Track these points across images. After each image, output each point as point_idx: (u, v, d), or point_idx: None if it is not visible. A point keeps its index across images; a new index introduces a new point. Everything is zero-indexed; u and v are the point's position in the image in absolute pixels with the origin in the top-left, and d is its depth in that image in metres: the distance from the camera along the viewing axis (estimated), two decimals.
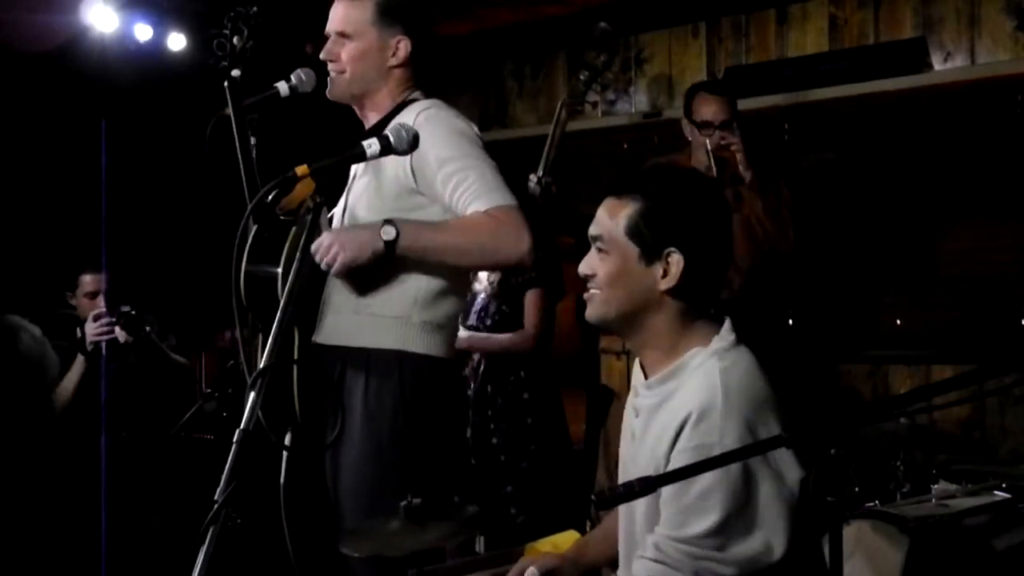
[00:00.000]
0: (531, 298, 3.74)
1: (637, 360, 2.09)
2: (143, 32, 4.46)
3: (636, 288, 1.88)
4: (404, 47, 2.57)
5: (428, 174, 2.43)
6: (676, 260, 1.85)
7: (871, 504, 2.92)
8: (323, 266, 2.34)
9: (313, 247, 2.34)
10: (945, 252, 4.20)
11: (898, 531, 2.69)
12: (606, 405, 4.35)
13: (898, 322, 4.28)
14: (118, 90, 4.37)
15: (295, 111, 2.86)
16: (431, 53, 2.66)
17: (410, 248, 2.38)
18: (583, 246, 2.00)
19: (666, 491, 1.80)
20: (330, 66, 2.60)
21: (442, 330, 2.54)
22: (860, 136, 4.42)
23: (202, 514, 1.70)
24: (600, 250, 1.92)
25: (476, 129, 2.54)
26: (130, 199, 4.37)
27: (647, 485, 1.51)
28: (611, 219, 1.90)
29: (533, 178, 3.89)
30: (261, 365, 1.89)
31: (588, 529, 2.37)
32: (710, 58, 4.90)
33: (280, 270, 2.36)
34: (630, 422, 2.02)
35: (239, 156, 2.62)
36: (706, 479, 1.74)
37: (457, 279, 2.58)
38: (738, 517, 1.75)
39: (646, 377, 1.97)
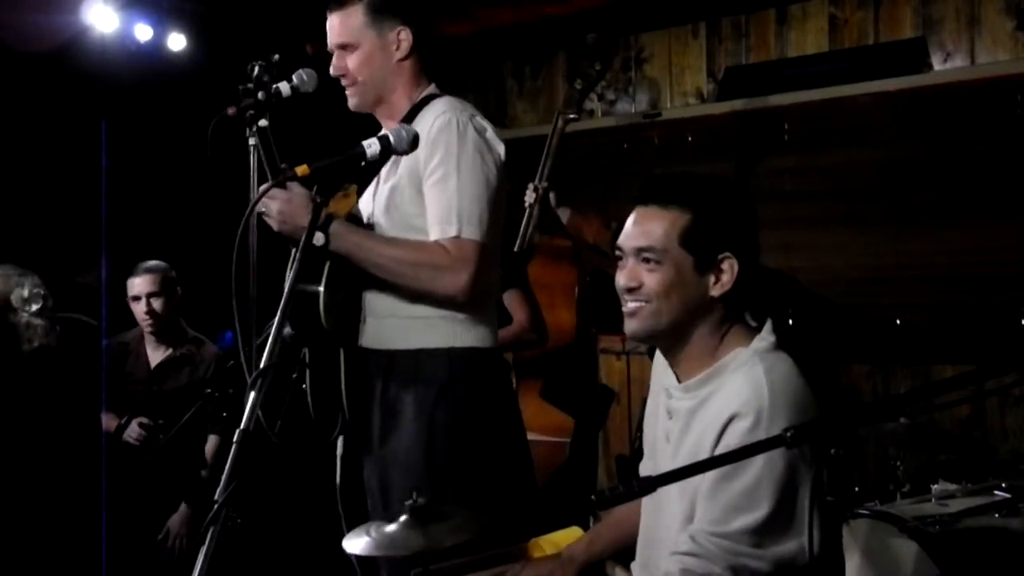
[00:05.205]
0: (514, 298, 3.73)
1: (657, 362, 2.09)
2: (143, 32, 4.46)
3: (690, 297, 1.90)
4: (406, 37, 2.57)
5: (423, 178, 2.45)
6: (730, 266, 1.89)
7: (871, 504, 2.92)
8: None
9: (265, 205, 2.35)
10: (945, 252, 4.20)
11: (898, 531, 2.69)
12: (606, 405, 4.35)
13: (898, 322, 4.27)
14: (118, 90, 4.37)
15: (295, 111, 2.86)
16: (433, 40, 2.66)
17: (342, 252, 2.39)
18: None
19: (705, 487, 1.81)
20: (343, 81, 2.60)
21: (486, 322, 2.55)
22: (860, 136, 4.42)
23: (202, 514, 1.70)
24: (648, 260, 1.91)
25: (490, 132, 2.51)
26: (130, 199, 4.38)
27: (647, 485, 1.50)
28: (660, 230, 1.90)
29: (531, 186, 3.93)
30: (262, 365, 1.89)
31: (591, 525, 2.36)
32: (710, 58, 4.90)
33: (323, 288, 2.38)
34: (662, 424, 2.02)
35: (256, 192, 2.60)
36: (751, 476, 1.75)
37: (496, 272, 2.59)
38: (779, 517, 1.76)
39: (679, 379, 1.98)
